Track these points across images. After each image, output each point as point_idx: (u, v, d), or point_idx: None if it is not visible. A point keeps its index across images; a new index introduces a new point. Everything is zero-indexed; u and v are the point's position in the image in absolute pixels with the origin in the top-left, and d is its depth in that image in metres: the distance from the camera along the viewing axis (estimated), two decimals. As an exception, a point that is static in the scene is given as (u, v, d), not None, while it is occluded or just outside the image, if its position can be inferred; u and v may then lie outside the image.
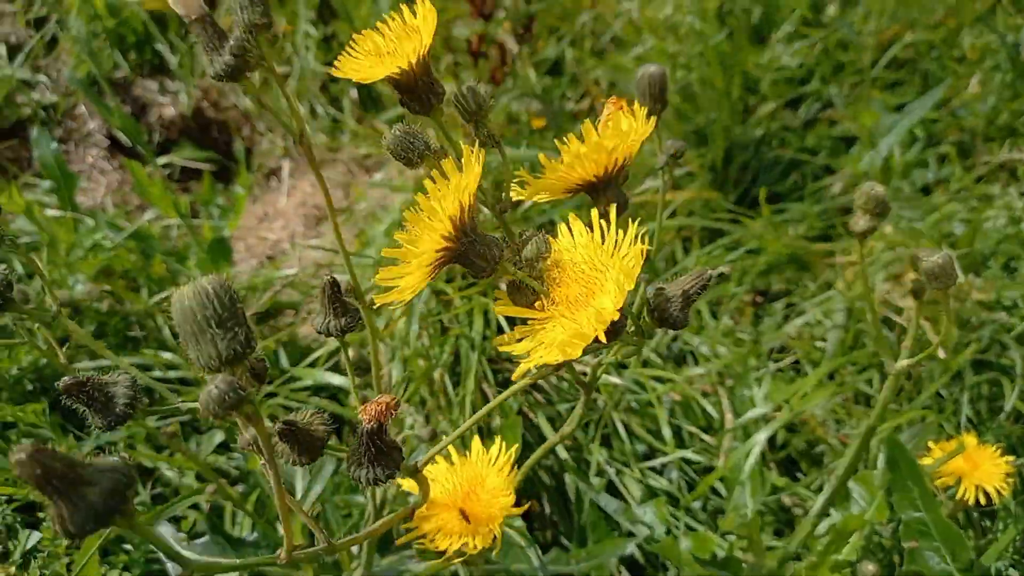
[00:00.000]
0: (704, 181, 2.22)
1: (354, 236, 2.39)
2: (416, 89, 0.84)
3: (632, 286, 0.67)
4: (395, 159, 0.81)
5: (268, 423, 0.74)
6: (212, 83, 2.92)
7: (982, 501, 1.30)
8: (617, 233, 0.72)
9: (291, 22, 2.88)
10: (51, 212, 2.19)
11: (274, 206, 2.78)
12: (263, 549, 1.20)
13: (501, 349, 0.72)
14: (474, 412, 1.85)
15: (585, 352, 0.67)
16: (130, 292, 1.97)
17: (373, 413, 0.68)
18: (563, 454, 1.73)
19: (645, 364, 1.89)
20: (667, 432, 1.74)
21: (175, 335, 1.90)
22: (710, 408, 1.78)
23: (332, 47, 2.93)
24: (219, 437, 1.63)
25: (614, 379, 1.81)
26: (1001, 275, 1.86)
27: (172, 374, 1.86)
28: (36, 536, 1.21)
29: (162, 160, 2.69)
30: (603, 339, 0.65)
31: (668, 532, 1.54)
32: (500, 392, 1.92)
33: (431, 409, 1.86)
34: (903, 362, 1.02)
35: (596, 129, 0.85)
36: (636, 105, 0.86)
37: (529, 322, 0.73)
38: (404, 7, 0.85)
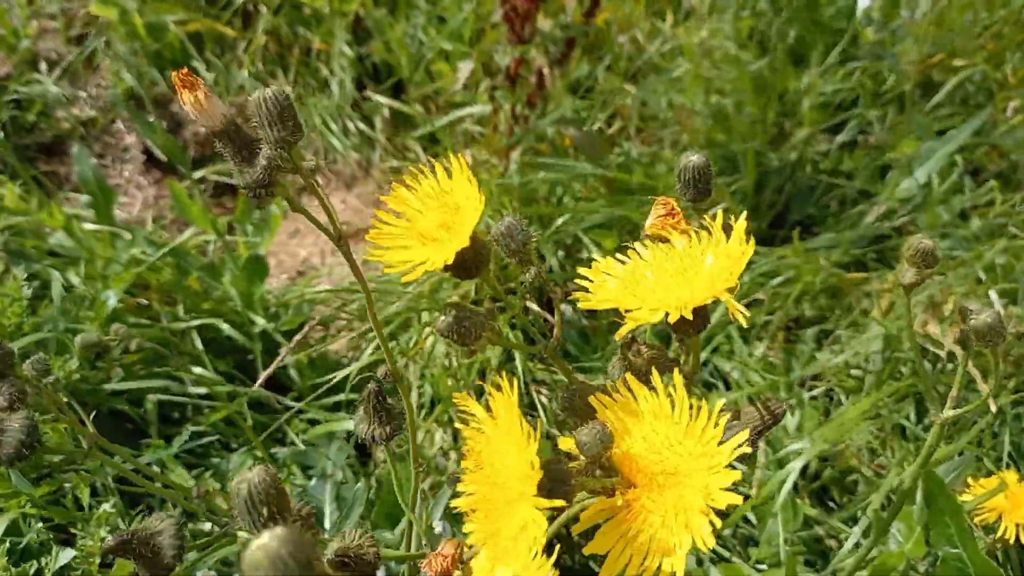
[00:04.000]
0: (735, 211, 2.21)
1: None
2: (466, 264, 0.78)
3: (731, 498, 0.62)
4: (449, 342, 0.78)
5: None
6: (245, 100, 2.96)
7: (1023, 540, 1.27)
8: (691, 404, 0.66)
9: (326, 41, 2.91)
10: (89, 226, 2.23)
11: (305, 222, 2.81)
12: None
13: (586, 551, 0.67)
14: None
15: None
16: (166, 306, 2.00)
17: (439, 569, 0.67)
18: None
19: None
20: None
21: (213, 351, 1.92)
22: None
23: (366, 66, 2.96)
24: (248, 462, 1.64)
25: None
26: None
27: (199, 390, 1.88)
28: (70, 553, 1.22)
29: (197, 175, 2.72)
30: (703, 547, 0.62)
31: (699, 562, 1.52)
32: (528, 416, 1.92)
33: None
34: (949, 412, 1.00)
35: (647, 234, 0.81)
36: (718, 217, 0.77)
37: (605, 510, 0.67)
38: (438, 164, 0.79)
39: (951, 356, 1.72)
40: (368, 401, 0.89)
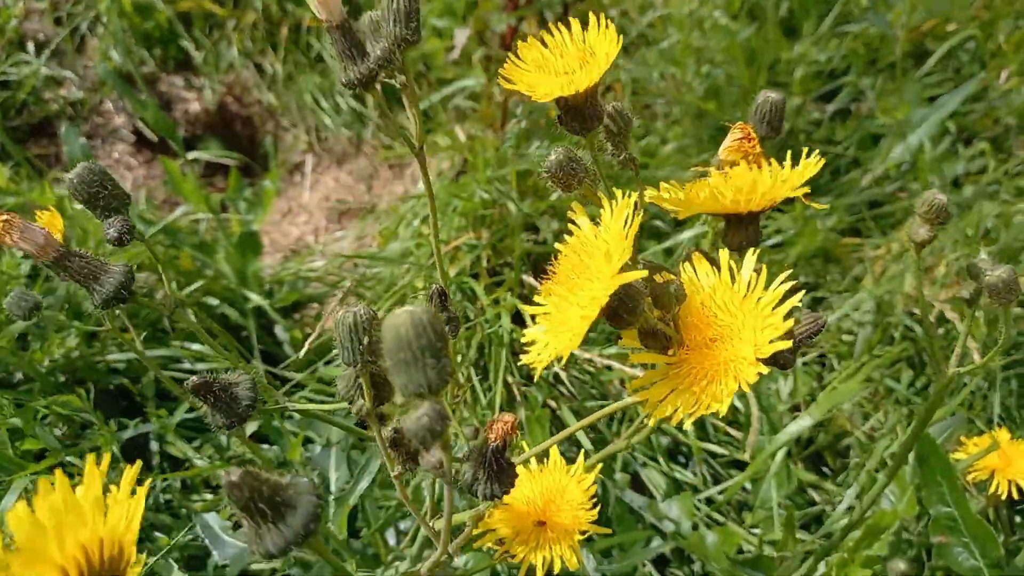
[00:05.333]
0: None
1: (377, 232, 2.41)
2: (584, 111, 0.83)
3: (780, 344, 0.65)
4: (552, 181, 0.81)
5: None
6: (237, 79, 2.94)
7: (1015, 496, 1.29)
8: (752, 276, 0.71)
9: (316, 18, 2.89)
10: (80, 206, 2.22)
11: (297, 201, 2.80)
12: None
13: (637, 397, 0.72)
14: (500, 406, 1.85)
15: None
16: (159, 284, 1.99)
17: (500, 432, 0.70)
18: (587, 445, 1.73)
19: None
20: (689, 426, 1.74)
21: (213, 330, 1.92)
22: (736, 401, 1.78)
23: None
24: (253, 426, 1.65)
25: (636, 371, 1.81)
26: (1032, 269, 1.84)
27: (200, 366, 1.88)
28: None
29: (190, 156, 2.71)
30: (747, 390, 0.66)
31: (694, 527, 1.54)
32: (524, 385, 1.93)
33: (457, 404, 1.87)
34: (952, 370, 1.01)
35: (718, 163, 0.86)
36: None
37: (660, 367, 0.72)
38: (574, 21, 0.84)
39: (941, 319, 1.73)
40: (432, 300, 0.92)
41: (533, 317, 0.74)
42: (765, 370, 0.65)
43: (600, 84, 0.83)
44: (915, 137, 2.18)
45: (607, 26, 0.83)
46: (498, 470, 0.72)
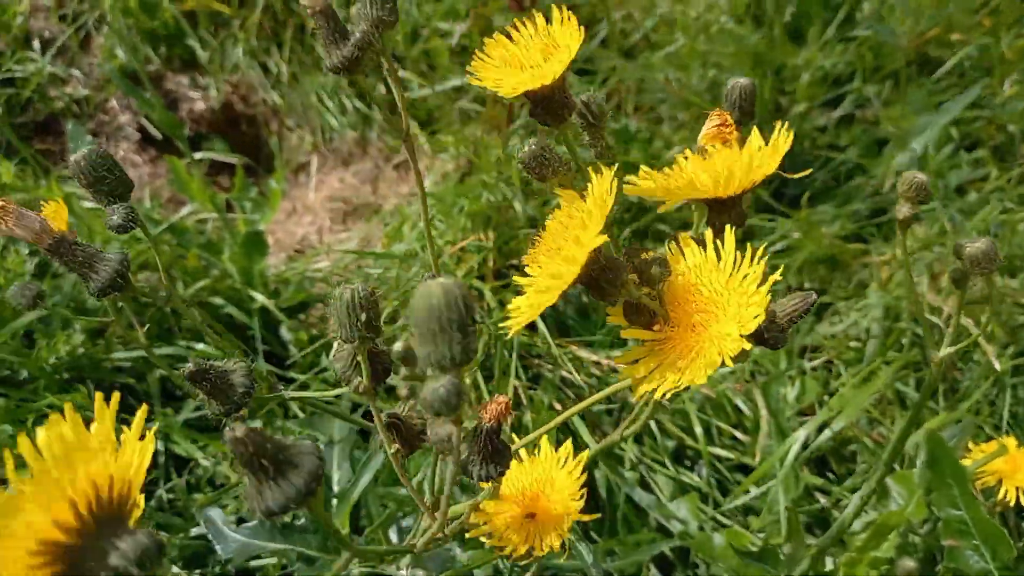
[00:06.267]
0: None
1: (383, 233, 2.41)
2: (553, 104, 0.84)
3: (762, 319, 0.67)
4: (528, 172, 0.82)
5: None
6: (243, 78, 2.94)
7: (1023, 504, 1.29)
8: (736, 255, 0.73)
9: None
10: (86, 204, 2.22)
11: (303, 201, 2.80)
12: (311, 534, 1.21)
13: (622, 371, 0.72)
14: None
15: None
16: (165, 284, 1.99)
17: (494, 413, 0.71)
18: (594, 447, 1.73)
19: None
20: (698, 429, 1.74)
21: (211, 327, 1.92)
22: (742, 405, 1.78)
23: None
24: (256, 423, 1.64)
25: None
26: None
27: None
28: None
29: (196, 156, 2.71)
30: (730, 364, 0.66)
31: (700, 528, 1.54)
32: (530, 388, 1.93)
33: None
34: (945, 350, 1.03)
35: (698, 148, 0.87)
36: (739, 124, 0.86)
37: (646, 343, 0.73)
38: (538, 15, 0.86)
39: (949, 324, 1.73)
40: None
41: (519, 290, 0.76)
42: (748, 346, 0.66)
43: (566, 75, 0.84)
44: (918, 143, 2.18)
45: (569, 18, 0.84)
46: (492, 451, 0.72)
